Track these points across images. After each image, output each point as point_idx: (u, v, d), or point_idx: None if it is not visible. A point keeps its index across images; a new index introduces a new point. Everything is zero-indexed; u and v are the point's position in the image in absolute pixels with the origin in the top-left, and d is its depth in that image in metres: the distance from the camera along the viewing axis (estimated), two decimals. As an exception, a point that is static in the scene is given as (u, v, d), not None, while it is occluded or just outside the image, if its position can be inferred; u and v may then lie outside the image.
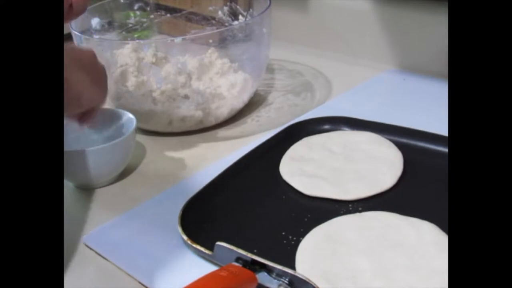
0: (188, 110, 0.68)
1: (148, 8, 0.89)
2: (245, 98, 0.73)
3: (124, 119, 0.63)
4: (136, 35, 0.87)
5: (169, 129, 0.70)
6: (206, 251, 0.47)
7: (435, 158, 0.59)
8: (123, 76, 0.69)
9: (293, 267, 0.46)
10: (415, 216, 0.49)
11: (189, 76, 0.69)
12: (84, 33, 0.74)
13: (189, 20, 0.90)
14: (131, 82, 0.68)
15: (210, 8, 0.87)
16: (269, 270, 0.42)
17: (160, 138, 0.70)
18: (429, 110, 0.70)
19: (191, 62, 0.71)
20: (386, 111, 0.70)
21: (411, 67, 0.83)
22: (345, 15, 0.89)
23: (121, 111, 0.64)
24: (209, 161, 0.64)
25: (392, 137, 0.62)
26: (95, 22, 0.79)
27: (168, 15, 0.91)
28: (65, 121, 0.46)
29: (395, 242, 0.47)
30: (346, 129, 0.66)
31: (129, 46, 0.71)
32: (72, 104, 0.48)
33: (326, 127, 0.67)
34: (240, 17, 0.84)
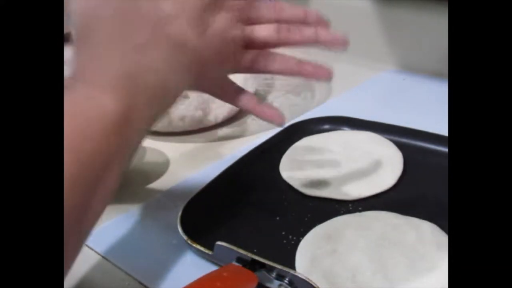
0: (188, 110, 0.68)
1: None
2: (245, 98, 0.73)
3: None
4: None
5: (168, 129, 0.70)
6: (206, 251, 0.47)
7: (435, 158, 0.59)
8: (123, 76, 0.69)
9: (293, 267, 0.46)
10: (415, 216, 0.49)
11: (189, 76, 0.69)
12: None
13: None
14: (131, 82, 0.68)
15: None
16: (269, 270, 0.42)
17: (160, 137, 0.70)
18: (429, 110, 0.70)
19: (191, 62, 0.71)
20: (386, 111, 0.70)
21: (411, 67, 0.83)
22: (345, 15, 0.89)
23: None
24: (209, 161, 0.64)
25: (392, 137, 0.62)
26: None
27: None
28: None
29: (395, 242, 0.47)
30: (346, 129, 0.66)
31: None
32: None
33: (326, 127, 0.67)
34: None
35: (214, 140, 0.70)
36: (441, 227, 0.48)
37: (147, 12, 0.39)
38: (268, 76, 0.85)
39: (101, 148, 0.36)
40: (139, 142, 0.40)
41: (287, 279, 0.42)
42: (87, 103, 0.36)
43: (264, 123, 0.72)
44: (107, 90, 0.37)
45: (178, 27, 0.39)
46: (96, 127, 0.36)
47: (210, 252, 0.46)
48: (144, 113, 0.39)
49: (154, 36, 0.39)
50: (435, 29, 0.78)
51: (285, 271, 0.42)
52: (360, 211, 0.52)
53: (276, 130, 0.66)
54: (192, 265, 0.48)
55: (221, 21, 0.41)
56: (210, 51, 0.42)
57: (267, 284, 0.43)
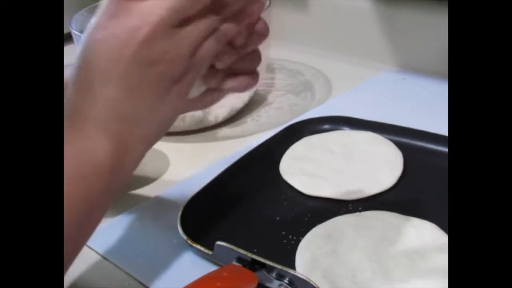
0: (188, 110, 0.68)
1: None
2: (245, 97, 0.73)
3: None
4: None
5: (168, 129, 0.70)
6: (206, 251, 0.47)
7: (435, 158, 0.59)
8: (123, 76, 0.69)
9: (293, 267, 0.46)
10: (415, 216, 0.49)
11: (189, 76, 0.69)
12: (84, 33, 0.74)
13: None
14: (131, 82, 0.68)
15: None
16: (269, 270, 0.42)
17: (160, 137, 0.70)
18: (429, 110, 0.70)
19: (191, 62, 0.71)
20: (386, 111, 0.70)
21: (411, 67, 0.83)
22: (345, 15, 0.89)
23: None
24: (209, 161, 0.64)
25: (392, 137, 0.62)
26: (95, 21, 0.79)
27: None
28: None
29: (395, 242, 0.47)
30: (346, 129, 0.66)
31: (129, 46, 0.70)
32: None
33: (326, 127, 0.67)
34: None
35: (214, 140, 0.70)
36: (441, 227, 0.48)
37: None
38: (267, 75, 0.85)
39: (89, 189, 0.37)
40: (128, 179, 0.41)
41: (287, 279, 0.42)
42: (81, 145, 0.37)
43: (264, 123, 0.73)
44: (100, 130, 0.37)
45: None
46: (90, 168, 0.37)
47: (210, 252, 0.46)
48: (136, 148, 0.40)
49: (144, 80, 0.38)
50: (435, 29, 0.78)
51: (285, 271, 0.42)
52: (360, 211, 0.52)
53: (276, 130, 0.66)
54: (192, 265, 0.48)
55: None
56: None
57: (267, 284, 0.43)
